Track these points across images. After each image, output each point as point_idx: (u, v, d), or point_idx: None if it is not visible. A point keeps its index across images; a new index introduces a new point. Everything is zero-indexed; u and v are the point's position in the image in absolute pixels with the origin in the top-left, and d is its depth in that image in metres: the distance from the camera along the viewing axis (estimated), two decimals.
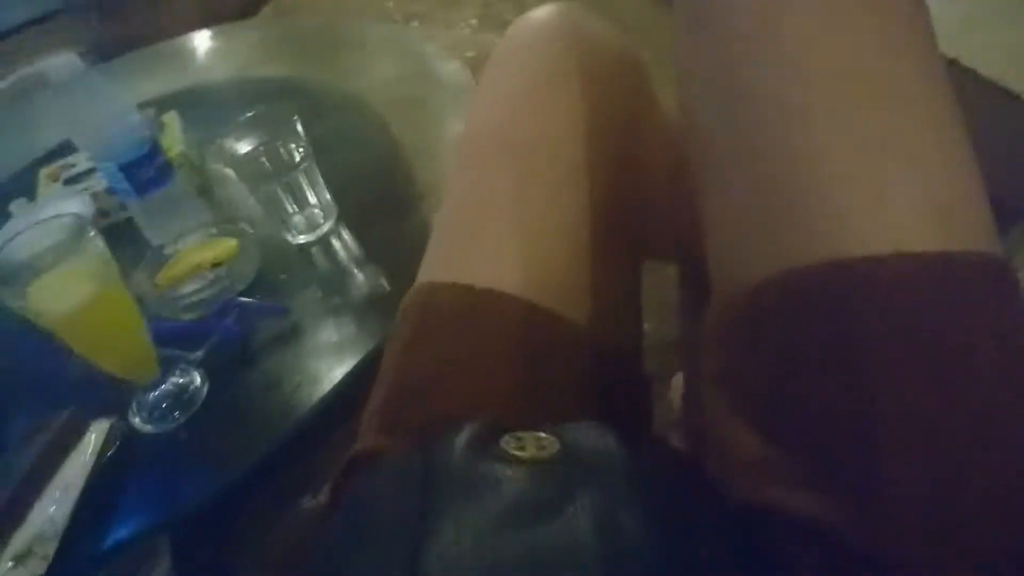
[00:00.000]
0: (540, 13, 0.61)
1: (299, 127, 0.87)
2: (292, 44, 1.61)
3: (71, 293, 0.66)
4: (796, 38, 0.38)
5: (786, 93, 0.38)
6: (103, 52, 2.59)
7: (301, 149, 0.89)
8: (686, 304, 0.76)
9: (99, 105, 0.86)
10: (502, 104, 0.57)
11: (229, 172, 1.10)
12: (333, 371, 0.79)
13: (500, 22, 1.97)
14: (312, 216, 0.93)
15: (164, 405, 0.79)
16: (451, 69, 1.21)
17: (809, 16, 0.38)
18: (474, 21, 2.03)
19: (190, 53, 1.61)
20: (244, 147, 0.90)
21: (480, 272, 0.49)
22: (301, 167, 0.89)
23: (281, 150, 0.89)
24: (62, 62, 0.82)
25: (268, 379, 0.81)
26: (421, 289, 0.53)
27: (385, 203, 0.98)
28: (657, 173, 0.61)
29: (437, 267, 0.54)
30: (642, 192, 0.59)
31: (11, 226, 0.97)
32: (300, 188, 0.91)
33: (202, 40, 1.63)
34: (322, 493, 0.96)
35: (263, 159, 0.89)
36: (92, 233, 0.67)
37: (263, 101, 1.30)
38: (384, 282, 0.88)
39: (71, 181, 1.10)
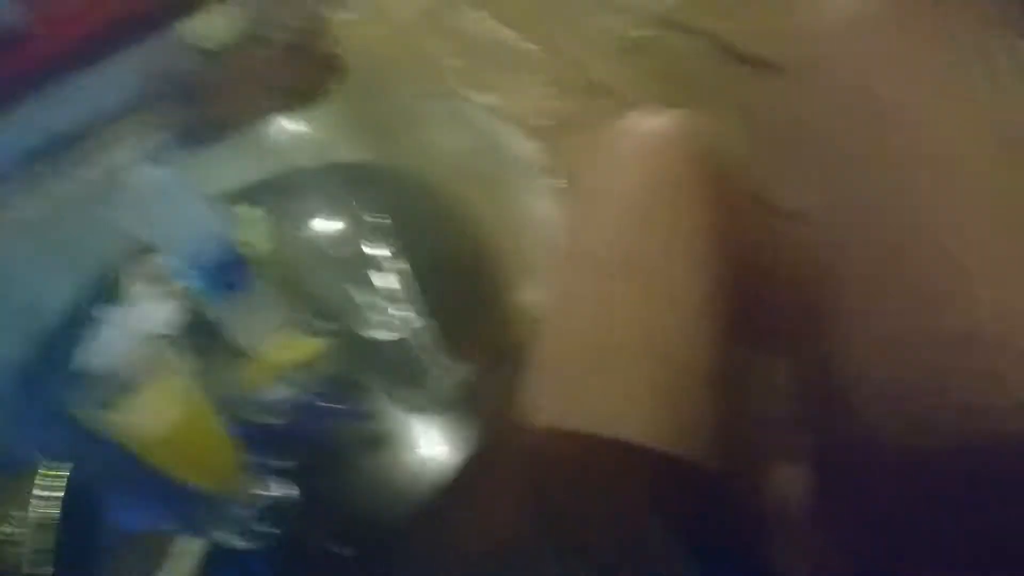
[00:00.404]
0: (654, 122, 0.56)
1: (386, 219, 0.86)
2: (364, 125, 1.62)
3: (157, 415, 0.65)
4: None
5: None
6: (181, 140, 2.70)
7: (387, 242, 0.87)
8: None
9: (177, 208, 0.87)
10: (619, 219, 0.51)
11: (311, 266, 1.10)
12: (419, 481, 0.76)
13: (564, 87, 1.96)
14: (400, 312, 0.91)
15: (252, 517, 0.76)
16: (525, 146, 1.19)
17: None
18: (538, 89, 2.03)
19: (263, 140, 1.63)
20: (327, 240, 0.89)
21: (608, 418, 0.45)
22: (387, 261, 0.87)
23: (367, 243, 0.87)
24: (140, 164, 0.82)
25: (355, 487, 0.79)
26: (536, 435, 0.48)
27: (467, 295, 0.96)
28: (773, 279, 0.56)
29: (552, 408, 0.48)
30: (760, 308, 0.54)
31: (98, 334, 0.98)
32: (387, 283, 0.89)
33: (279, 127, 1.66)
34: None
35: (348, 253, 0.87)
36: (176, 353, 0.66)
37: (342, 188, 1.31)
38: (467, 381, 0.85)
39: (155, 281, 1.12)
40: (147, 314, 0.98)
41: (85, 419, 0.96)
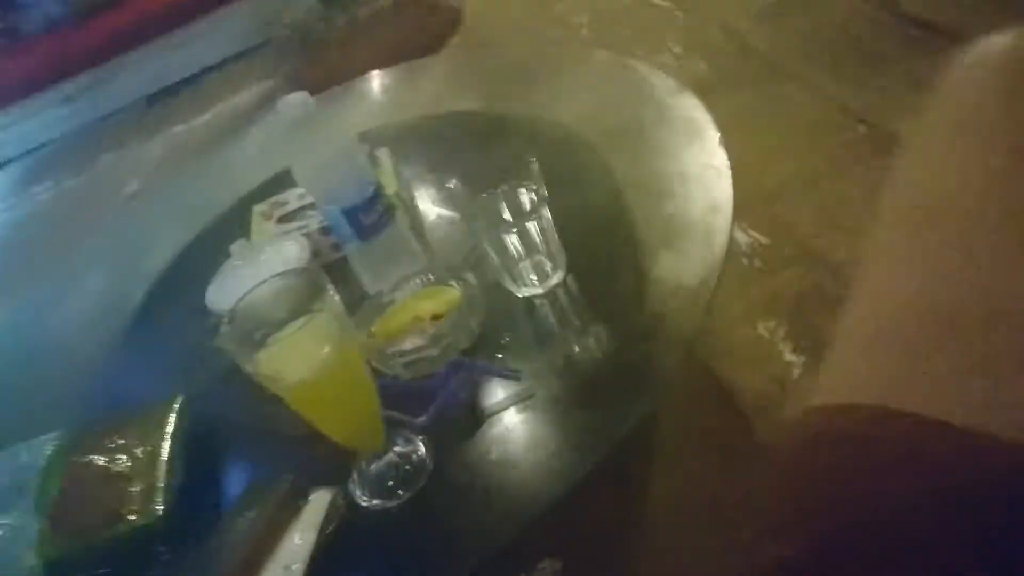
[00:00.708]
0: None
1: (536, 168, 0.79)
2: (487, 77, 1.54)
3: (305, 359, 0.60)
4: None
5: None
6: (300, 87, 2.69)
7: (536, 193, 0.80)
8: None
9: (326, 145, 0.81)
10: (984, 157, 0.40)
11: (442, 214, 1.04)
12: (569, 449, 0.69)
13: (707, 49, 1.84)
14: (540, 266, 0.84)
15: (387, 477, 0.71)
16: (669, 90, 1.09)
17: None
18: (678, 48, 1.91)
19: (385, 89, 1.58)
20: (475, 189, 0.82)
21: (951, 402, 0.36)
22: (536, 213, 0.80)
23: (518, 193, 0.80)
24: (294, 99, 0.76)
25: (499, 452, 0.72)
26: (854, 413, 0.38)
27: (610, 250, 0.88)
28: None
29: (880, 384, 0.39)
30: None
31: (233, 269, 0.94)
32: (530, 235, 0.82)
33: (396, 76, 1.60)
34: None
35: (500, 203, 0.80)
36: (331, 292, 0.60)
37: (468, 137, 1.24)
38: (608, 343, 0.78)
39: (284, 220, 1.08)
40: (280, 253, 0.93)
41: (219, 358, 0.93)
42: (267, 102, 2.94)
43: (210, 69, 3.45)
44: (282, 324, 0.64)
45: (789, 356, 1.11)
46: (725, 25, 1.90)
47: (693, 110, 1.02)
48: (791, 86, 1.58)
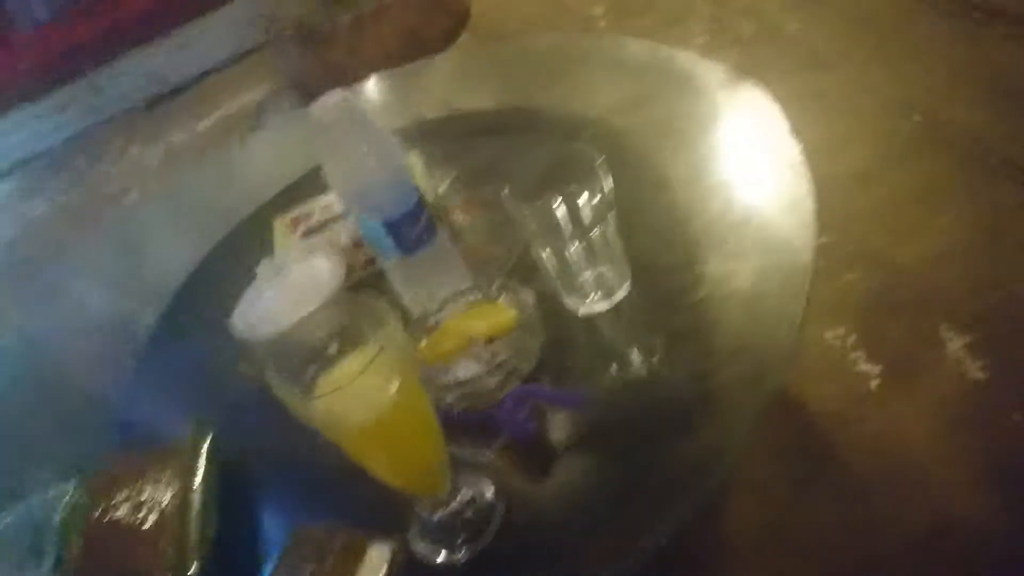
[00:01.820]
0: None
1: (602, 167, 0.70)
2: (504, 72, 1.45)
3: (369, 401, 0.51)
4: None
5: None
6: (303, 89, 2.60)
7: (600, 196, 0.72)
8: None
9: (364, 148, 0.73)
10: None
11: (485, 223, 0.95)
12: (653, 491, 0.61)
13: (733, 38, 1.75)
14: (602, 279, 0.76)
15: (452, 525, 0.63)
16: (722, 78, 1.00)
17: None
18: (702, 39, 1.83)
19: (394, 89, 1.49)
20: (526, 194, 0.73)
21: None
22: (601, 219, 0.72)
23: (579, 197, 0.72)
24: (331, 99, 0.68)
25: (571, 494, 0.64)
26: None
27: (675, 258, 0.80)
28: None
29: None
30: None
31: (260, 292, 0.86)
32: (594, 245, 0.74)
33: (405, 75, 1.50)
34: None
35: (558, 208, 0.72)
36: (393, 322, 0.52)
37: (499, 136, 1.16)
38: (686, 366, 0.70)
39: (308, 234, 0.99)
40: (311, 272, 0.85)
41: (248, 386, 0.85)
42: (268, 105, 2.85)
43: (210, 72, 3.35)
44: (333, 358, 0.56)
45: (864, 366, 1.03)
46: (754, 12, 1.81)
47: (754, 98, 0.93)
48: (833, 75, 1.50)
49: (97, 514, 0.69)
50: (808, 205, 0.76)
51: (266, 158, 1.48)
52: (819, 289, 0.68)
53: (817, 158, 0.79)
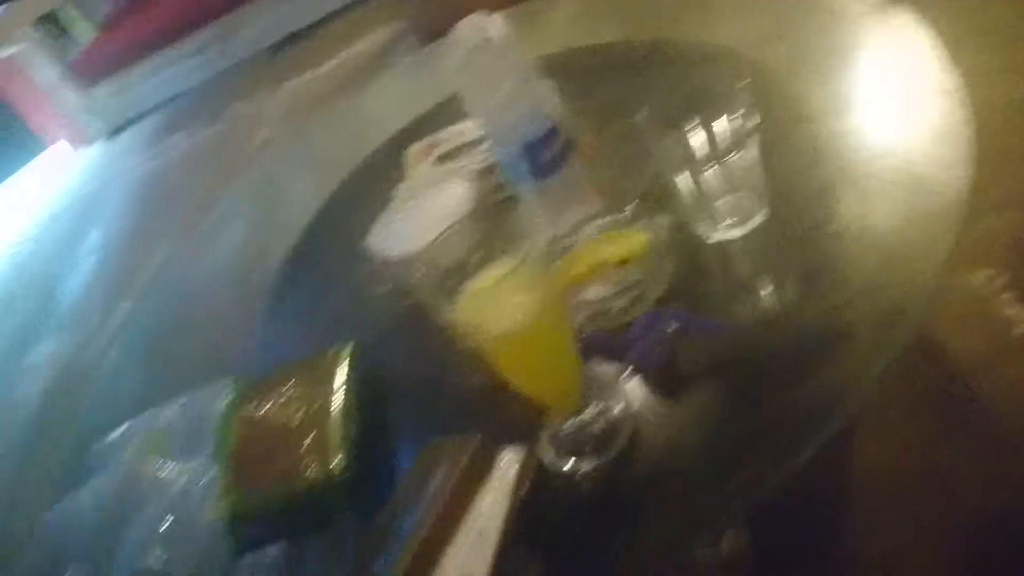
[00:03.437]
0: None
1: (746, 92, 0.69)
2: (627, 5, 1.42)
3: (512, 309, 0.53)
4: None
5: None
6: (424, 29, 2.62)
7: (742, 122, 0.70)
8: None
9: (503, 72, 0.74)
10: None
11: (621, 150, 0.95)
12: (782, 419, 0.61)
13: None
14: (738, 207, 0.75)
15: (581, 438, 0.65)
16: (866, 5, 0.94)
17: None
18: None
19: (517, 25, 1.47)
20: (663, 120, 0.73)
21: None
22: (741, 144, 0.70)
23: (719, 123, 0.70)
24: (471, 22, 0.69)
25: (698, 418, 0.65)
26: None
27: (814, 191, 0.77)
28: None
29: None
30: None
31: (396, 214, 0.89)
32: (732, 170, 0.72)
33: (527, 10, 1.48)
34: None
35: (697, 134, 0.71)
36: (535, 236, 0.53)
37: (630, 67, 1.14)
38: (820, 299, 0.68)
39: (441, 161, 1.02)
40: (446, 195, 0.87)
41: (386, 307, 0.89)
42: (391, 47, 2.90)
43: (333, 15, 3.44)
44: (475, 271, 0.58)
45: (1011, 310, 0.98)
46: None
47: (903, 26, 0.88)
48: None
49: (250, 410, 0.75)
50: (962, 138, 0.72)
51: (392, 97, 1.52)
52: (967, 228, 0.65)
53: (972, 89, 0.74)
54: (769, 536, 0.84)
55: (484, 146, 0.94)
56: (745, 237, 0.75)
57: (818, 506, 0.89)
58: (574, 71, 1.21)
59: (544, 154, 0.77)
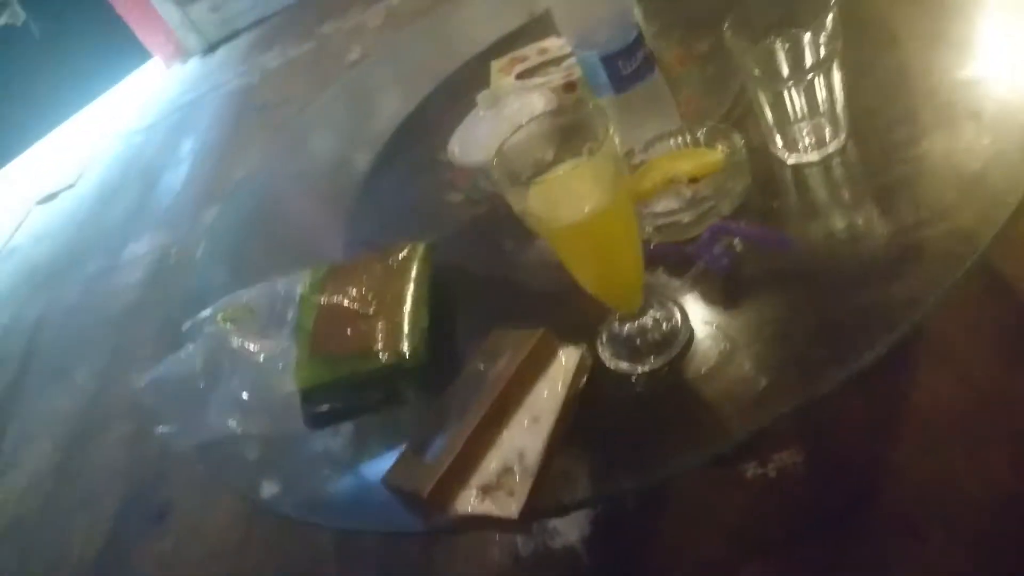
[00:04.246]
0: None
1: (834, 12, 0.68)
2: None
3: (581, 200, 0.55)
4: None
5: None
6: None
7: (827, 43, 0.69)
8: None
9: None
10: None
11: (692, 73, 0.95)
12: (837, 336, 0.61)
13: None
14: (819, 129, 0.74)
15: (639, 341, 0.67)
16: None
17: None
18: None
19: None
20: (748, 36, 0.72)
21: None
22: (825, 65, 0.70)
23: (803, 42, 0.70)
24: None
25: (758, 328, 0.66)
26: None
27: (897, 118, 0.76)
28: None
29: None
30: None
31: (477, 119, 0.91)
32: (814, 92, 0.72)
33: None
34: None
35: (780, 53, 0.71)
36: (611, 131, 0.55)
37: None
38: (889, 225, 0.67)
39: (524, 75, 1.03)
40: (527, 105, 0.89)
41: (465, 210, 0.92)
42: None
43: None
44: (549, 166, 0.60)
45: None
46: None
47: None
48: None
49: (329, 293, 0.79)
50: None
51: (480, 16, 1.52)
52: None
53: None
54: (820, 460, 0.85)
55: (567, 63, 0.95)
56: (822, 161, 0.75)
57: (874, 433, 0.90)
58: None
59: (625, 66, 0.78)
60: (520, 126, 0.59)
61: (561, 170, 0.56)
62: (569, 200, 0.55)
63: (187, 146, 3.28)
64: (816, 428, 0.77)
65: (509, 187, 0.55)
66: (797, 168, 0.76)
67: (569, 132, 0.59)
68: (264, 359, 0.78)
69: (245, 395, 0.78)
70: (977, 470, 0.84)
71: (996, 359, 0.92)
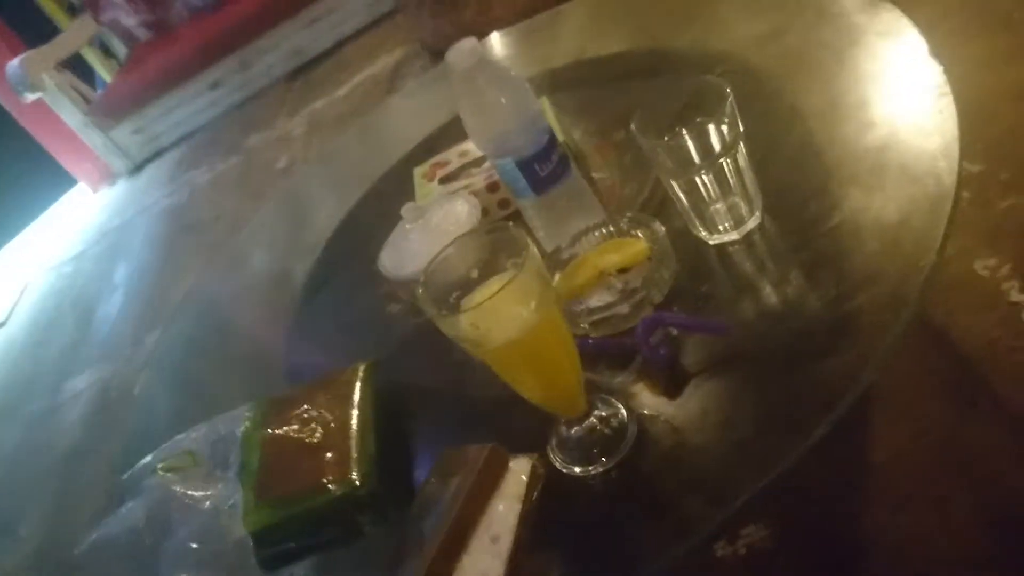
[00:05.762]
0: None
1: (730, 98, 0.71)
2: (632, 17, 1.44)
3: (511, 319, 0.55)
4: None
5: None
6: (434, 50, 2.67)
7: (728, 127, 0.72)
8: None
9: (496, 91, 0.76)
10: None
11: (614, 160, 0.97)
12: (787, 415, 0.62)
13: None
14: (735, 208, 0.77)
15: (588, 443, 0.66)
16: (855, 4, 0.96)
17: None
18: None
19: (525, 40, 1.50)
20: (655, 129, 0.75)
21: None
22: (731, 149, 0.72)
23: (707, 130, 0.72)
24: (464, 46, 0.72)
25: (706, 414, 0.66)
26: None
27: (807, 189, 0.79)
28: None
29: None
30: None
31: (405, 233, 0.92)
32: (724, 175, 0.74)
33: (533, 27, 1.51)
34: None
35: (688, 141, 0.73)
36: (531, 247, 0.56)
37: (630, 77, 1.16)
38: (819, 295, 0.69)
39: (447, 180, 1.04)
40: (451, 213, 0.90)
41: (399, 324, 0.92)
42: (403, 68, 2.95)
43: (346, 40, 3.49)
44: (475, 284, 0.60)
45: (1017, 296, 0.98)
46: None
47: (890, 22, 0.90)
48: None
49: (272, 429, 0.78)
50: (950, 129, 0.73)
51: (403, 117, 1.55)
52: (970, 218, 0.66)
53: (975, 76, 0.75)
54: (790, 532, 0.85)
55: (487, 163, 0.97)
56: (744, 239, 0.77)
57: (839, 498, 0.90)
58: (580, 83, 1.24)
59: (542, 168, 0.79)
60: (444, 248, 0.60)
61: (488, 291, 0.56)
62: (499, 322, 0.55)
63: (120, 272, 3.22)
64: (781, 500, 0.77)
65: (440, 317, 0.55)
66: (721, 248, 0.78)
67: (492, 249, 0.60)
68: (210, 506, 0.76)
69: (195, 545, 0.74)
70: (945, 525, 0.84)
71: (948, 407, 0.94)
